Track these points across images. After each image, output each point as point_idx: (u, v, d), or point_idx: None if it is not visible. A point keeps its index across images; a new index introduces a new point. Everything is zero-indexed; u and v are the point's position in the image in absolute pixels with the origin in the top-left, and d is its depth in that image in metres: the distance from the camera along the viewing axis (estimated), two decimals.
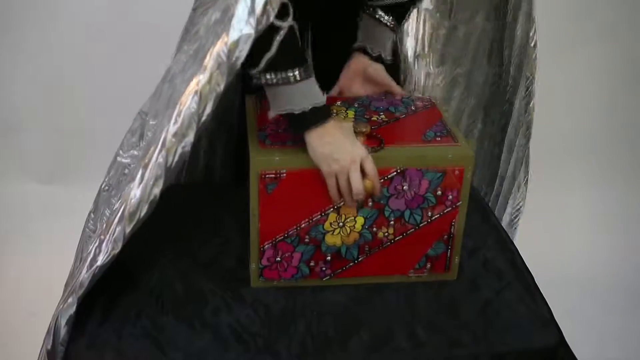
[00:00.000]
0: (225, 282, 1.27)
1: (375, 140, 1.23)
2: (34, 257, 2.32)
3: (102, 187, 1.32)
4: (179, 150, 1.10)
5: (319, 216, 1.22)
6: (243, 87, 1.48)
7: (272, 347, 1.14)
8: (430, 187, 1.21)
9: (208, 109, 1.08)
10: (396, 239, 1.26)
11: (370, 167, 1.17)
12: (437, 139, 1.25)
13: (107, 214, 1.22)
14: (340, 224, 1.23)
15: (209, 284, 1.26)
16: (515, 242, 1.47)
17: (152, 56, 1.73)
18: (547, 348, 1.18)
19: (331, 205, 1.21)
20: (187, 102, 1.08)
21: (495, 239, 1.43)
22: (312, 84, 1.15)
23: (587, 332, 1.98)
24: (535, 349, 1.18)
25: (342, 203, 1.21)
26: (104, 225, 1.17)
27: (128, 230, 1.13)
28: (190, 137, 1.09)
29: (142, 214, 1.13)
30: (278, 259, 1.25)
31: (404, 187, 1.21)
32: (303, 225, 1.22)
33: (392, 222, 1.24)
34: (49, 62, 2.59)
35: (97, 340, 1.15)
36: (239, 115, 1.56)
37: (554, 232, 2.52)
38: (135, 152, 1.25)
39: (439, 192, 1.22)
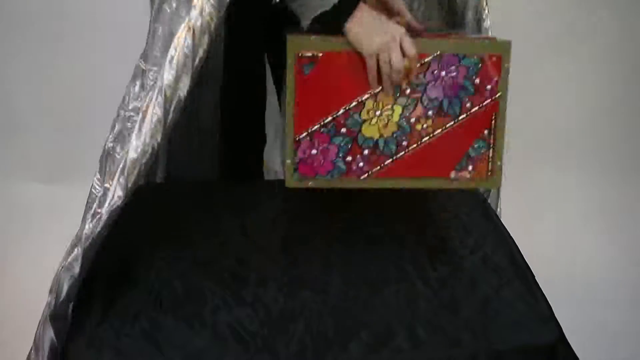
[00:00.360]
0: (225, 282, 1.26)
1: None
2: (35, 256, 2.31)
3: (107, 144, 1.30)
4: (178, 91, 1.11)
5: (356, 103, 1.20)
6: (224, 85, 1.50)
7: (271, 347, 1.14)
8: (468, 74, 1.20)
9: (204, 44, 1.10)
10: (435, 132, 1.23)
11: (408, 45, 1.18)
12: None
13: (113, 169, 1.21)
14: (378, 112, 1.21)
15: (208, 283, 1.25)
16: (509, 225, 1.47)
17: None
18: (547, 345, 1.18)
19: (368, 91, 1.20)
20: (182, 41, 1.10)
21: (495, 235, 1.42)
22: None
23: (587, 329, 1.97)
24: (535, 346, 1.18)
25: (379, 89, 1.20)
26: (108, 177, 1.17)
27: (132, 179, 1.13)
28: (187, 80, 1.10)
29: (145, 161, 1.12)
30: (314, 151, 1.22)
31: (442, 74, 1.20)
32: (340, 112, 1.21)
33: (430, 113, 1.22)
34: (49, 61, 2.59)
35: (96, 340, 1.14)
36: (222, 110, 1.59)
37: (554, 228, 2.52)
38: (137, 104, 1.25)
39: (477, 81, 1.21)
